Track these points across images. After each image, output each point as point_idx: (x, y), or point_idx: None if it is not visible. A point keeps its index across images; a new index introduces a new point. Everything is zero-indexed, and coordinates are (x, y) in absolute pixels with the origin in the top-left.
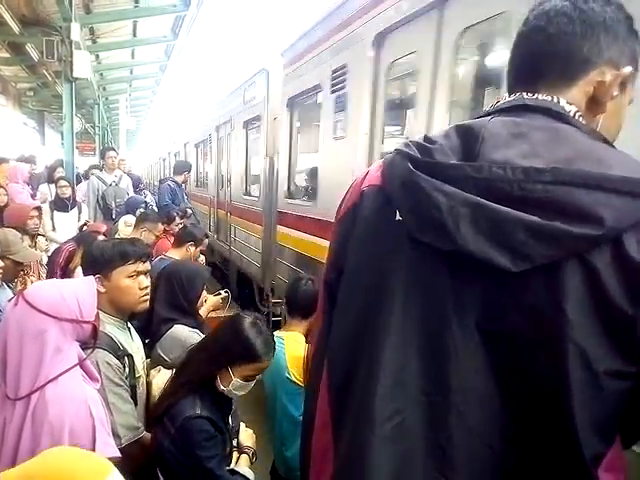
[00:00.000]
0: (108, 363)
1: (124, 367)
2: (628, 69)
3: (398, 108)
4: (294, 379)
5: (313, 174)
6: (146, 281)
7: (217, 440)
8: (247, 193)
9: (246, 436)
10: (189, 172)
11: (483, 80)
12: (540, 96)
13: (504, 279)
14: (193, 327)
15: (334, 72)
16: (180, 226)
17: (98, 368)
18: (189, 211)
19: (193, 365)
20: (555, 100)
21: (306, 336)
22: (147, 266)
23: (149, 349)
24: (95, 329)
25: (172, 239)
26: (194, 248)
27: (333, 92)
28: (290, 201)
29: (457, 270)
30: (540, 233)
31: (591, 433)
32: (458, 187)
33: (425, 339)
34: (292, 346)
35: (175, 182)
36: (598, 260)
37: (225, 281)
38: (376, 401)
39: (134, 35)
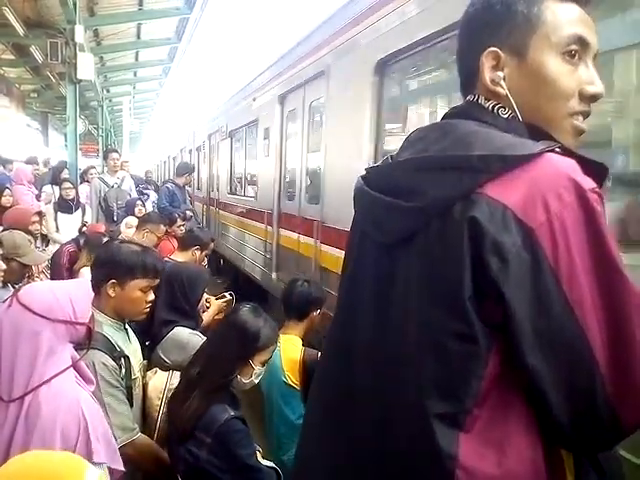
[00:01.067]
0: (104, 364)
1: (120, 368)
2: (488, 50)
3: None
4: (290, 382)
5: (205, 180)
6: (152, 295)
7: (250, 437)
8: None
9: None
10: (189, 174)
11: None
12: (469, 97)
13: (388, 253)
14: (194, 329)
15: (202, 142)
16: (182, 228)
17: (94, 369)
18: (188, 213)
19: (214, 370)
20: (475, 99)
21: (303, 339)
22: (157, 281)
23: (150, 351)
24: (89, 331)
25: (174, 241)
26: (200, 252)
27: (203, 149)
28: (197, 190)
29: (372, 248)
30: (391, 210)
31: (436, 391)
32: (368, 184)
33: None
34: (288, 349)
35: (175, 184)
36: (433, 230)
37: None
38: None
39: (138, 37)
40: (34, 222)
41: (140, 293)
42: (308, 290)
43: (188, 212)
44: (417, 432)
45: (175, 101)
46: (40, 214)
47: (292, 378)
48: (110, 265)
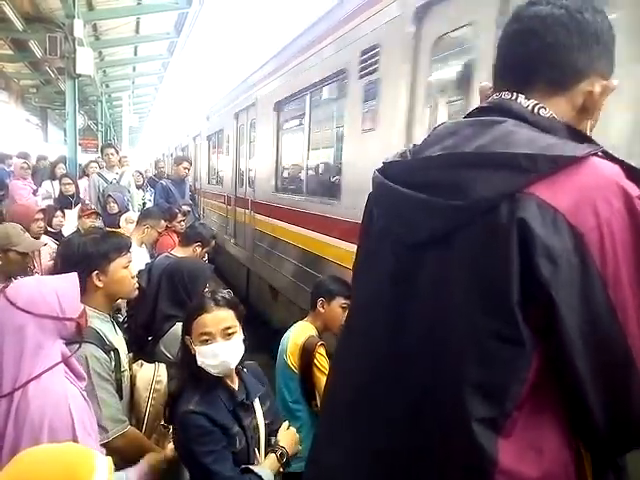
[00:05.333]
0: (96, 357)
1: (110, 361)
2: (614, 82)
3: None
4: (290, 364)
5: (229, 172)
6: (134, 270)
7: (215, 436)
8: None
9: (283, 436)
10: (178, 164)
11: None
12: (504, 94)
13: (416, 252)
14: None
15: (224, 124)
16: (182, 223)
17: (86, 362)
18: (186, 208)
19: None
20: (514, 97)
21: (322, 330)
22: (131, 254)
23: (152, 346)
24: (80, 327)
25: (174, 236)
26: (201, 249)
27: (227, 132)
28: (214, 185)
29: (394, 245)
30: (426, 208)
31: (478, 394)
32: (388, 178)
33: (369, 297)
34: (297, 333)
35: (171, 180)
36: (477, 230)
37: None
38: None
39: (137, 32)
40: (37, 219)
41: (124, 271)
42: (321, 281)
43: (185, 207)
44: (456, 434)
45: (180, 91)
46: (44, 211)
47: (292, 360)
48: (86, 259)
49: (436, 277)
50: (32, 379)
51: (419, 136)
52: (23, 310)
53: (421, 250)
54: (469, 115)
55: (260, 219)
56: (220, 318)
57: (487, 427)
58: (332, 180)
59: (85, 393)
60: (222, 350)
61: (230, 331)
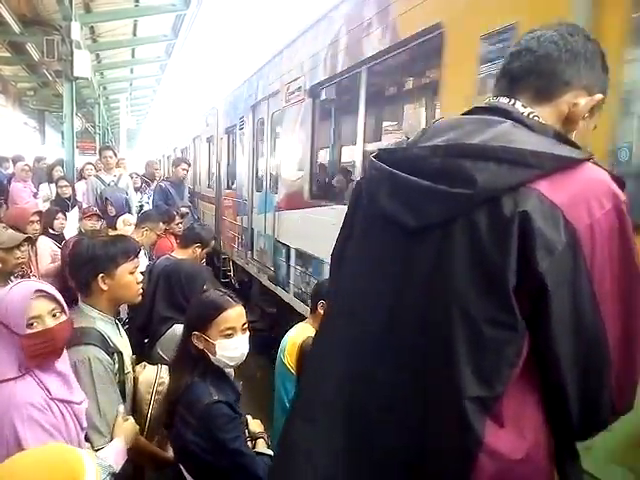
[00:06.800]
0: (99, 359)
1: (114, 363)
2: (599, 96)
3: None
4: (287, 363)
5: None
6: (140, 276)
7: (237, 422)
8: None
9: (255, 424)
10: (176, 166)
11: None
12: (501, 99)
13: (414, 237)
14: None
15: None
16: (180, 226)
17: (89, 364)
18: (183, 210)
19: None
20: (511, 102)
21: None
22: (138, 260)
23: (149, 348)
24: (25, 348)
25: (172, 238)
26: (200, 250)
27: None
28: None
29: (388, 231)
30: (430, 194)
31: (471, 374)
32: (388, 165)
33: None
34: (296, 334)
35: (170, 182)
36: (479, 218)
37: None
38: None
39: (134, 34)
40: (32, 222)
41: (130, 276)
42: (321, 283)
43: (183, 209)
44: (447, 413)
45: (180, 88)
46: (40, 214)
47: (290, 360)
48: (93, 262)
49: (433, 263)
50: None
51: None
52: None
53: (420, 237)
54: (467, 114)
55: None
56: (240, 313)
57: (477, 407)
58: None
59: (52, 401)
60: (242, 343)
61: (245, 326)
